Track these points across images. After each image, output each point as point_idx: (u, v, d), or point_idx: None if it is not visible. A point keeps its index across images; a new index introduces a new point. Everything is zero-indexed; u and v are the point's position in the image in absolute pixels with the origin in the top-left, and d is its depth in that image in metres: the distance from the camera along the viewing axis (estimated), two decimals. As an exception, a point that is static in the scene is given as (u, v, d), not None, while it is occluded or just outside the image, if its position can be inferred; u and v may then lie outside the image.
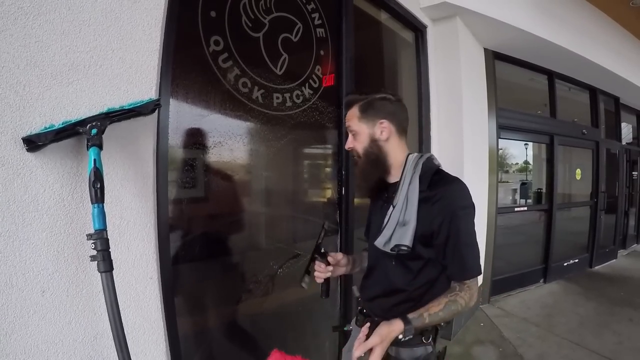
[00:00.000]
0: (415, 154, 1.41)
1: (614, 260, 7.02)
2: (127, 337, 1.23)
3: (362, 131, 1.38)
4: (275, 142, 2.33)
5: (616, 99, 7.20)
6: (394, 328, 1.15)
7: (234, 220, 2.20)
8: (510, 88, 5.50)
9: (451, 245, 1.24)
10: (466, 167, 3.74)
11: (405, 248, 1.27)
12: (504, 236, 5.10)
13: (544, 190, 6.01)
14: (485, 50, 4.54)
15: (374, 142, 1.37)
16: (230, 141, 2.09)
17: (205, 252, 2.02)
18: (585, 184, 6.57)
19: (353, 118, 1.40)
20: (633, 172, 8.22)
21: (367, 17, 3.25)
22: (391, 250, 1.30)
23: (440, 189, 1.27)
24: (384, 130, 1.36)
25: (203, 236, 2.03)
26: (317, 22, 2.54)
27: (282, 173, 2.44)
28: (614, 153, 7.20)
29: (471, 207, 1.29)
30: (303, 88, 2.44)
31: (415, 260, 1.31)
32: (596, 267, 6.49)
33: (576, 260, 6.10)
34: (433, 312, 1.20)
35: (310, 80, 2.50)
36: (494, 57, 4.69)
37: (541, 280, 5.59)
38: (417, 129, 3.67)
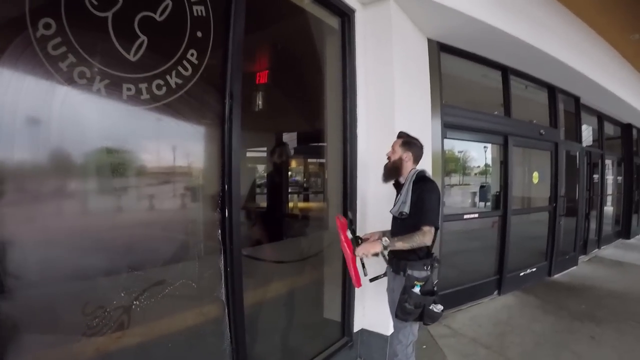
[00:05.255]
0: (414, 169, 2.53)
1: (575, 267, 6.72)
2: None
3: (397, 152, 2.54)
4: (123, 142, 1.86)
5: (576, 99, 6.92)
6: (375, 245, 2.33)
7: (63, 238, 1.72)
8: (461, 86, 5.11)
9: (418, 208, 2.35)
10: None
11: (405, 213, 2.41)
12: (456, 242, 4.70)
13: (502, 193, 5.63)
14: (430, 41, 4.09)
15: (400, 159, 2.53)
16: (59, 143, 1.66)
17: (32, 276, 1.59)
18: (543, 188, 6.24)
19: (397, 144, 2.57)
20: (594, 175, 7.98)
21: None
22: (398, 214, 2.46)
23: (420, 184, 2.42)
24: (408, 157, 2.53)
25: (27, 256, 1.59)
26: (194, -3, 2.07)
27: (136, 182, 1.93)
28: (573, 155, 6.92)
29: (432, 192, 2.38)
30: (168, 77, 1.96)
31: (408, 220, 2.41)
32: (555, 276, 6.15)
33: (534, 270, 5.72)
34: (398, 242, 2.30)
35: (180, 68, 2.01)
36: (439, 49, 4.24)
37: (495, 292, 5.17)
38: (340, 126, 3.19)
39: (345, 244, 2.45)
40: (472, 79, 5.35)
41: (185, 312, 2.15)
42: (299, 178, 4.09)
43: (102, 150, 1.79)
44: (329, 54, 3.36)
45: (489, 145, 6.16)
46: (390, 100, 3.29)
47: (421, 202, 2.35)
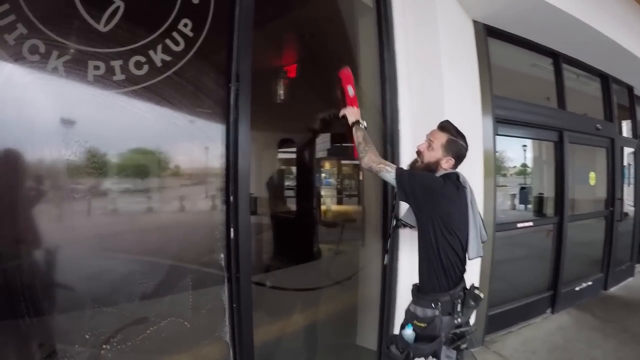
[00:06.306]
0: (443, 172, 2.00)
1: (631, 278, 5.98)
2: None
3: (437, 152, 1.98)
4: (86, 136, 1.41)
5: (630, 89, 6.17)
6: (351, 112, 2.16)
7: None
8: (507, 77, 4.49)
9: None
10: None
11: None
12: (499, 250, 4.09)
13: (545, 195, 5.10)
14: (475, 23, 3.52)
15: (437, 162, 1.99)
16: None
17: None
18: (592, 189, 5.54)
19: (439, 140, 1.98)
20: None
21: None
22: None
23: None
24: (448, 162, 1.98)
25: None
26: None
27: (103, 189, 1.47)
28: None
29: (423, 176, 1.94)
30: (152, 52, 1.52)
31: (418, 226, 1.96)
32: (612, 289, 5.44)
33: (589, 283, 5.04)
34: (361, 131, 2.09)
35: (169, 41, 1.56)
36: (486, 33, 3.66)
37: (548, 310, 4.53)
38: (380, 120, 2.67)
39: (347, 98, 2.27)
40: (520, 70, 4.74)
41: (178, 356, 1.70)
42: (332, 180, 3.64)
43: (57, 146, 1.33)
44: (363, 38, 2.85)
45: (528, 144, 5.58)
46: (438, 90, 2.76)
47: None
